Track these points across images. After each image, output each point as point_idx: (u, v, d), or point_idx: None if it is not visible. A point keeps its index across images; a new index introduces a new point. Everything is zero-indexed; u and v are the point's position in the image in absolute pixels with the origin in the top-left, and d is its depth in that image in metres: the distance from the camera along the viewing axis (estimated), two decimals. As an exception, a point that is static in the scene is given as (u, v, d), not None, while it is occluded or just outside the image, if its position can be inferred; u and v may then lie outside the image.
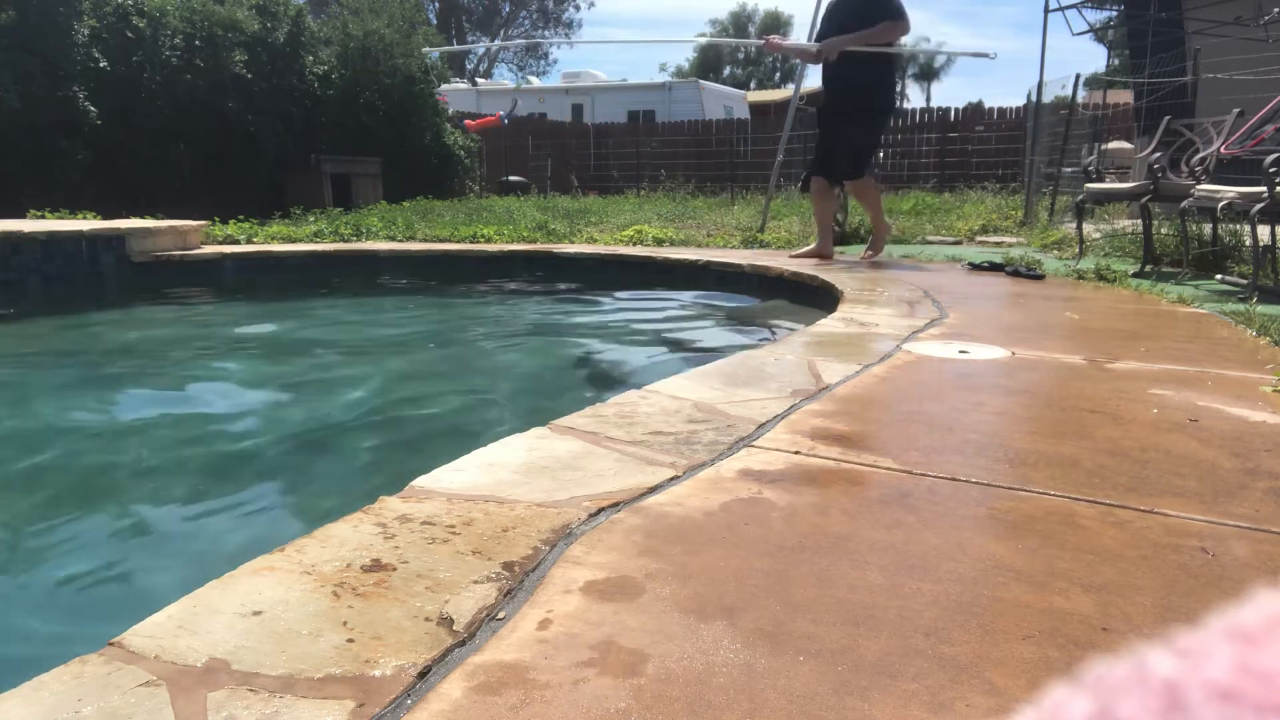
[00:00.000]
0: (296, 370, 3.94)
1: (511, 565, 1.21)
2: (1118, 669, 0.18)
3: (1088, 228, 6.74)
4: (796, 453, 1.72)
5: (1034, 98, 9.86)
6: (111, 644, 0.99)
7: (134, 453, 2.72)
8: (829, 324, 3.36)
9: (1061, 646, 1.03)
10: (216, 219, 7.71)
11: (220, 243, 7.02)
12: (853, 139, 5.73)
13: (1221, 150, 5.10)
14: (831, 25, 5.54)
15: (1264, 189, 4.15)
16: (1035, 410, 2.21)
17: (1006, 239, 7.84)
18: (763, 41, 6.30)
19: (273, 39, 12.32)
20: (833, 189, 6.02)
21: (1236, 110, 5.15)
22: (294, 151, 12.23)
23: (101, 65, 10.49)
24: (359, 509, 1.40)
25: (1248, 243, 4.68)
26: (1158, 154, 5.37)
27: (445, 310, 5.67)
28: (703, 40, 25.82)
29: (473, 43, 42.80)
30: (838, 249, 6.42)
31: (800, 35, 5.76)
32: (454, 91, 19.74)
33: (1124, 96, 13.07)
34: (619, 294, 5.82)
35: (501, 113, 7.64)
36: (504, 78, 39.36)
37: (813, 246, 5.97)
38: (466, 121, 7.27)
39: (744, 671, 0.97)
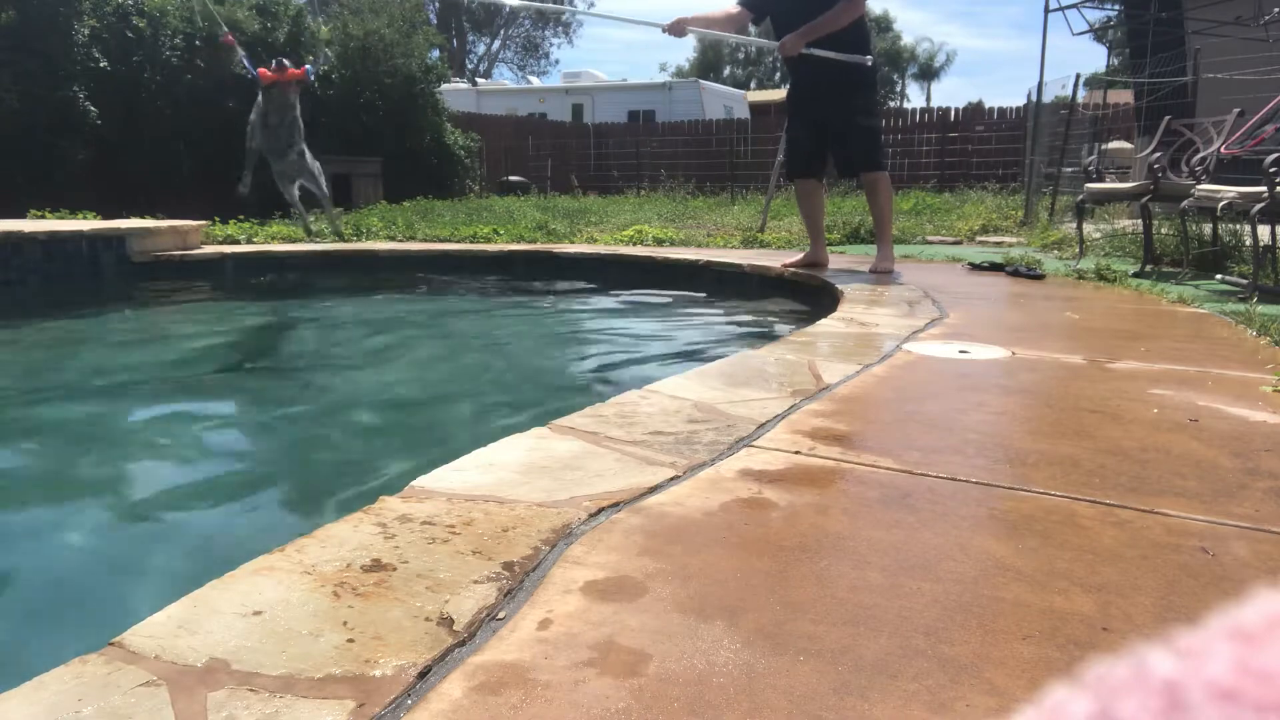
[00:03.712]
0: (296, 370, 3.94)
1: (512, 565, 1.21)
2: (1118, 669, 0.18)
3: (1088, 228, 6.74)
4: (796, 453, 1.72)
5: (1034, 98, 9.88)
6: (111, 644, 0.99)
7: (133, 452, 2.72)
8: (829, 324, 3.36)
9: (1062, 646, 1.03)
10: (217, 219, 7.72)
11: (221, 242, 7.01)
12: (868, 123, 5.23)
13: (1221, 150, 5.10)
14: (794, 14, 5.02)
15: (1264, 189, 4.15)
16: (1035, 410, 2.20)
17: (1006, 239, 7.84)
18: (666, 25, 5.22)
19: (273, 39, 12.33)
20: (822, 187, 5.68)
21: (1236, 110, 5.15)
22: (294, 151, 12.23)
23: (102, 65, 10.50)
24: (359, 509, 1.40)
25: (1248, 243, 4.68)
26: (1158, 154, 5.37)
27: (445, 310, 5.67)
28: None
29: (473, 43, 42.79)
30: (833, 250, 6.35)
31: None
32: (454, 91, 19.75)
33: (1124, 96, 13.08)
34: (619, 294, 5.81)
35: (308, 66, 6.72)
36: (504, 77, 39.36)
37: (806, 254, 5.43)
38: (261, 71, 6.25)
39: (744, 671, 0.97)
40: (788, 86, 5.53)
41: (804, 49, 4.96)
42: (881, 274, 5.05)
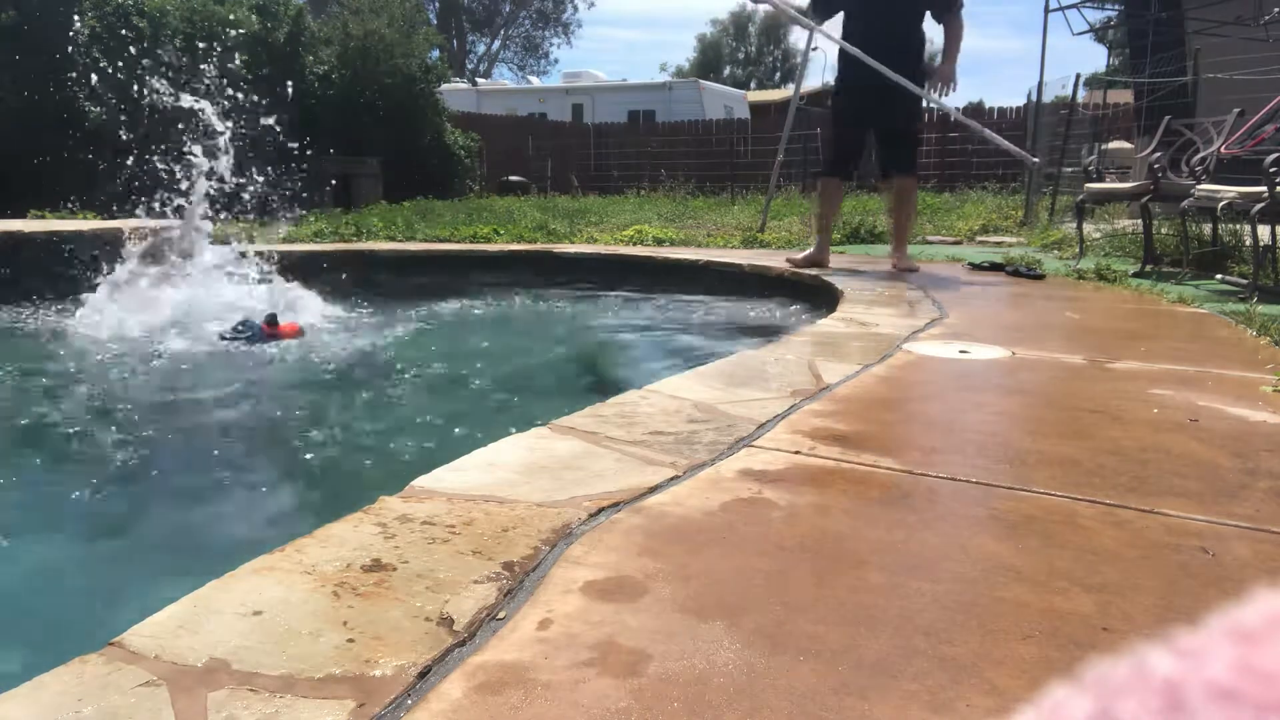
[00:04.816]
0: (295, 369, 3.94)
1: (512, 565, 1.21)
2: (1118, 669, 0.18)
3: (1088, 228, 6.74)
4: (797, 453, 1.72)
5: (1034, 98, 9.88)
6: (112, 644, 0.99)
7: (133, 452, 2.72)
8: (829, 324, 3.36)
9: (1062, 646, 1.03)
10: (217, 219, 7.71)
11: (221, 242, 7.01)
12: (918, 128, 5.73)
13: (1221, 150, 5.10)
14: (891, 14, 5.24)
15: (1264, 189, 4.14)
16: (1035, 410, 2.20)
17: (1007, 239, 7.84)
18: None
19: (273, 39, 12.32)
20: (843, 188, 5.87)
21: (1236, 110, 5.15)
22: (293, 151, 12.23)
23: (101, 65, 10.49)
24: (359, 509, 1.40)
25: (1248, 243, 4.68)
26: (1158, 154, 5.37)
27: (445, 310, 5.67)
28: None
29: (473, 43, 42.77)
30: (833, 250, 6.36)
31: (799, 37, 5.49)
32: (454, 91, 19.74)
33: (1124, 96, 13.07)
34: (619, 294, 5.82)
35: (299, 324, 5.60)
36: (504, 77, 39.33)
37: (810, 253, 5.48)
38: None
39: (744, 671, 0.97)
40: (843, 86, 5.54)
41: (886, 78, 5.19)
42: (906, 270, 5.31)
